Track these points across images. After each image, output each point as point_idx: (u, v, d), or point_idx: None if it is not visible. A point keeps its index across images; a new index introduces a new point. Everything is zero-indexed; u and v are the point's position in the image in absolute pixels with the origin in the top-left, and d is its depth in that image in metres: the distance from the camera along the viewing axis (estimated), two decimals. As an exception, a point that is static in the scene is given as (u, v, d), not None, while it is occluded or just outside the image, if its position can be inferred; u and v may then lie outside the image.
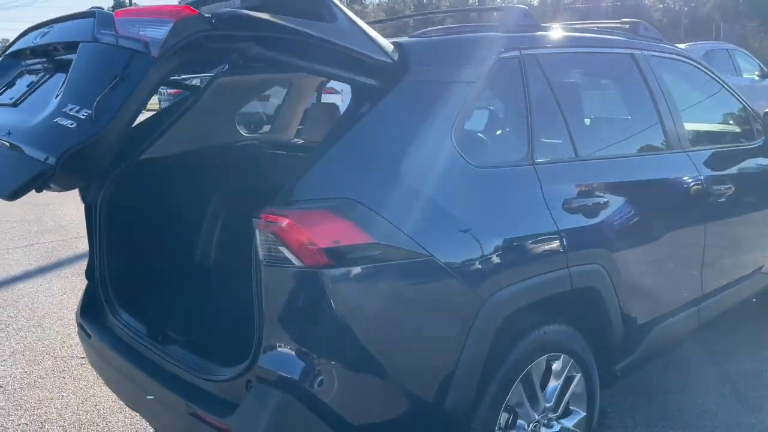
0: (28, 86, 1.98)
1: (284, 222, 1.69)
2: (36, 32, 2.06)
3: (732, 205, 3.09)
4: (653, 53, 2.95)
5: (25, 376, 3.47)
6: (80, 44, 1.73)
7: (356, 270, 1.75)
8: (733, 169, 3.18)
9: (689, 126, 3.06)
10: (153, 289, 2.60)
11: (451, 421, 1.94)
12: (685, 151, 2.89)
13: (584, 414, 2.43)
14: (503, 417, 2.12)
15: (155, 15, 1.61)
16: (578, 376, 2.37)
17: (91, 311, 2.55)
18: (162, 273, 2.70)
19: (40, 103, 1.77)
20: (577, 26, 3.16)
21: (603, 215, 2.37)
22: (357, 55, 1.84)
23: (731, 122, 3.57)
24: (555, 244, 2.17)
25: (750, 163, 3.31)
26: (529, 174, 2.20)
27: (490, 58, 2.23)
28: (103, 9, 1.81)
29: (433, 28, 2.63)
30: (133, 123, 1.78)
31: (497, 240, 2.03)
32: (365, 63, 1.88)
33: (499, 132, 2.68)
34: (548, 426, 2.31)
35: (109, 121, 1.53)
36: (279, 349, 1.78)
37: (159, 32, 1.56)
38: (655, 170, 2.73)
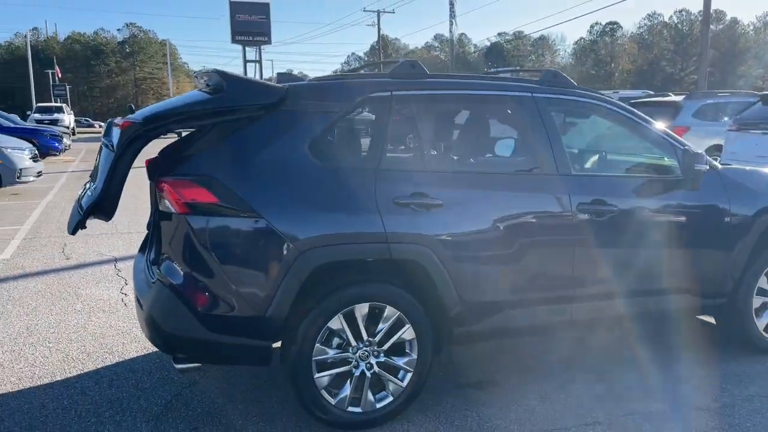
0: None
1: (166, 186, 2.97)
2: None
3: (617, 228, 3.64)
4: (545, 95, 3.69)
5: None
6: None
7: (207, 218, 2.96)
8: (623, 195, 3.71)
9: (574, 152, 3.72)
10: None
11: (271, 324, 3.02)
12: (558, 174, 3.56)
13: (415, 357, 3.30)
14: (326, 336, 3.13)
15: (118, 126, 3.05)
16: (408, 326, 3.26)
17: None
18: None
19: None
20: (469, 75, 4.01)
21: (435, 213, 3.25)
22: (237, 107, 3.07)
23: (628, 154, 4.06)
24: (376, 226, 3.12)
25: (648, 192, 3.79)
26: (369, 174, 3.20)
27: (359, 96, 3.30)
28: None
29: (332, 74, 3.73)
30: (122, 183, 3.12)
31: (321, 214, 3.08)
32: (245, 109, 3.09)
33: (362, 144, 3.65)
34: (376, 356, 3.24)
35: (105, 186, 3.01)
36: (167, 262, 3.06)
37: (116, 137, 2.99)
38: (505, 185, 3.50)
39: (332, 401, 3.18)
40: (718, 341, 4.38)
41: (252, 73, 51.03)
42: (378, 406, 3.26)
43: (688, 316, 4.19)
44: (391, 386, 3.29)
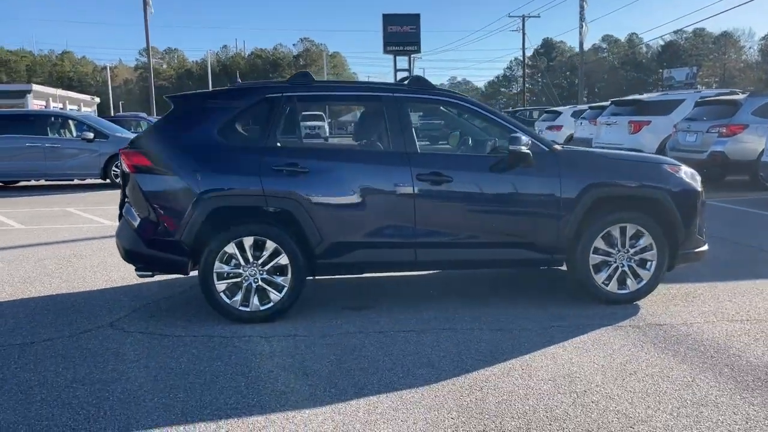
0: None
1: (122, 155, 4.79)
2: None
3: (452, 193, 4.88)
4: (405, 95, 5.04)
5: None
6: None
7: (145, 175, 4.73)
8: (459, 168, 4.93)
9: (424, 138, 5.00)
10: None
11: (183, 246, 4.69)
12: (404, 152, 4.88)
13: (289, 277, 4.81)
14: (224, 257, 4.75)
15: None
16: (283, 254, 4.78)
17: None
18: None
19: None
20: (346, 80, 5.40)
21: (302, 176, 4.75)
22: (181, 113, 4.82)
23: (471, 139, 5.21)
24: (253, 183, 4.70)
25: (478, 166, 4.98)
26: (257, 150, 4.79)
27: (257, 95, 4.90)
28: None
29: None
30: None
31: (218, 175, 4.71)
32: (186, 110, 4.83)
33: (261, 129, 5.13)
34: (261, 273, 4.80)
35: None
36: (126, 205, 4.87)
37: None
38: (359, 157, 4.89)
39: (228, 301, 4.78)
40: (563, 290, 5.36)
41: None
42: (261, 308, 4.81)
43: (535, 268, 5.25)
44: (271, 296, 4.82)
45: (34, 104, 61.02)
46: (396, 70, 54.85)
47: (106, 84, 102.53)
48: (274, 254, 4.79)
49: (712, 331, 4.53)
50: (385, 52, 52.62)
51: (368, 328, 4.67)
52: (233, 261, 4.78)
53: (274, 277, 4.82)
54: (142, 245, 4.79)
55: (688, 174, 5.28)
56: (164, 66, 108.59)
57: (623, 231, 5.09)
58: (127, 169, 4.83)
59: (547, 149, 5.08)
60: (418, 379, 3.76)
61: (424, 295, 5.54)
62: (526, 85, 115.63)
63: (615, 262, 5.11)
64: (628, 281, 5.14)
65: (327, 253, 4.85)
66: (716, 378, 3.73)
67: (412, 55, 53.38)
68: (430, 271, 6.03)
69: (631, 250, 5.11)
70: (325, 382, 3.74)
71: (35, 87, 65.49)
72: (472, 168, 5.01)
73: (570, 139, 18.79)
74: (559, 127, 19.58)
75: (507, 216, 4.99)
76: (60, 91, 69.16)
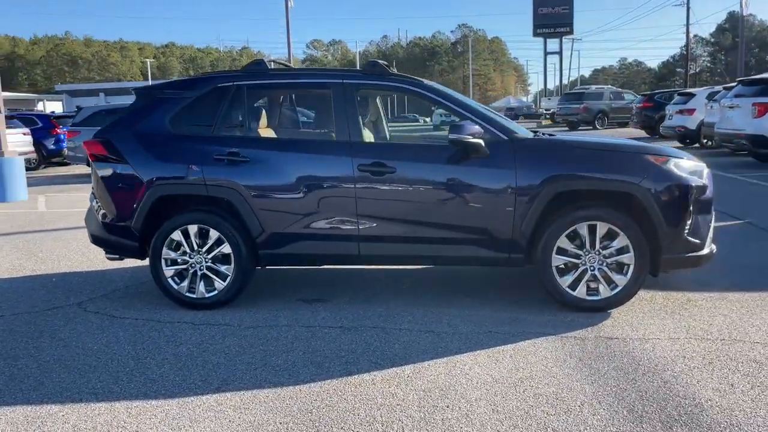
0: None
1: (85, 145, 5.07)
2: None
3: (396, 184, 4.61)
4: (355, 81, 4.84)
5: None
6: None
7: (102, 163, 4.98)
8: (404, 159, 4.63)
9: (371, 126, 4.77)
10: None
11: (134, 232, 4.89)
12: (347, 141, 4.69)
13: (232, 266, 4.84)
14: (172, 244, 4.89)
15: None
16: (225, 243, 4.82)
17: None
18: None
19: None
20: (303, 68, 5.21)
21: (242, 165, 4.75)
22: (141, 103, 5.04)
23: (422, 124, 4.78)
24: (197, 172, 4.77)
25: (427, 157, 4.63)
26: (202, 139, 4.86)
27: (208, 85, 4.97)
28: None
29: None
30: None
31: (165, 164, 4.84)
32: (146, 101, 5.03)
33: (209, 118, 5.10)
34: (206, 261, 4.88)
35: None
36: (91, 192, 5.17)
37: None
38: (302, 147, 4.76)
39: (176, 287, 4.91)
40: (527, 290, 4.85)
41: (554, 64, 51.57)
42: (207, 295, 4.89)
43: (490, 266, 4.82)
44: (216, 284, 4.88)
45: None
46: (546, 54, 52.82)
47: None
48: (218, 243, 4.84)
49: (665, 349, 3.88)
50: (535, 35, 50.74)
51: (300, 322, 4.57)
52: (181, 248, 4.90)
53: (218, 265, 4.87)
54: (104, 230, 5.07)
55: (680, 166, 4.55)
56: (328, 57, 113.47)
57: (592, 230, 4.50)
58: (89, 157, 5.12)
59: (505, 138, 4.62)
60: (290, 379, 3.63)
61: (394, 289, 5.31)
62: (706, 64, 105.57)
63: (583, 264, 4.55)
64: (600, 287, 4.55)
65: (268, 244, 4.81)
66: (612, 405, 3.20)
67: (564, 37, 51.06)
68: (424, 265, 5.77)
69: (604, 252, 4.51)
70: (197, 373, 3.73)
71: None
72: (418, 158, 4.69)
73: (701, 125, 16.90)
74: (691, 111, 17.64)
75: (455, 210, 4.62)
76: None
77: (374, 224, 4.69)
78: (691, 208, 4.49)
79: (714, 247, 4.75)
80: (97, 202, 5.11)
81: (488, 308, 4.75)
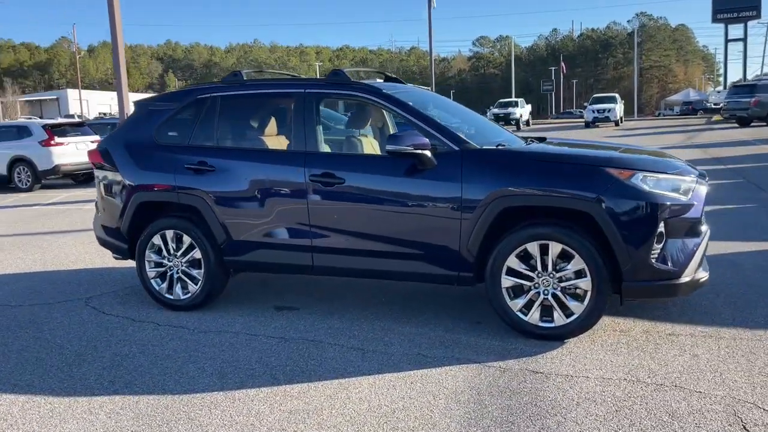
0: None
1: (89, 154, 5.54)
2: None
3: (346, 196, 4.50)
4: (317, 90, 4.80)
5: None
6: None
7: (100, 171, 5.42)
8: (354, 170, 4.50)
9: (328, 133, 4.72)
10: None
11: (122, 234, 5.26)
12: (303, 151, 4.67)
13: (203, 271, 5.04)
14: (153, 247, 5.19)
15: None
16: (196, 249, 5.03)
17: None
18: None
19: None
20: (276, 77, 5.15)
21: (208, 174, 4.92)
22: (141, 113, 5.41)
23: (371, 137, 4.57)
24: (169, 180, 5.02)
25: (376, 168, 4.46)
26: (177, 149, 5.10)
27: (190, 97, 5.21)
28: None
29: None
30: None
31: (146, 172, 5.15)
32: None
33: (187, 129, 5.22)
34: (182, 265, 5.12)
35: None
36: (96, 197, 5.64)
37: None
38: (261, 156, 4.80)
39: (157, 288, 5.21)
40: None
41: (740, 50, 46.11)
42: (182, 297, 5.13)
43: (441, 283, 4.52)
44: (190, 287, 5.11)
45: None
46: (726, 41, 47.58)
47: (443, 75, 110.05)
48: (191, 248, 5.05)
49: (583, 390, 3.43)
50: (714, 20, 45.99)
51: (251, 330, 4.64)
52: (162, 252, 5.18)
53: (191, 269, 5.08)
54: (103, 233, 5.51)
55: (652, 182, 3.97)
56: (495, 54, 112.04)
57: (545, 250, 4.08)
58: (91, 164, 5.58)
59: (456, 149, 4.32)
60: (175, 387, 3.71)
61: (368, 301, 5.19)
62: None
63: (536, 287, 4.14)
64: (555, 314, 4.11)
65: (231, 251, 4.94)
66: (457, 450, 2.90)
67: (749, 22, 45.65)
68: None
69: (558, 275, 4.07)
70: (111, 374, 3.94)
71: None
72: (367, 169, 4.53)
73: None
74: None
75: (403, 224, 4.41)
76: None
77: (327, 236, 4.63)
78: (662, 230, 3.90)
79: (704, 274, 4.10)
80: (98, 206, 5.56)
81: (440, 328, 4.48)
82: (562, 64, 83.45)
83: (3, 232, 9.55)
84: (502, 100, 38.93)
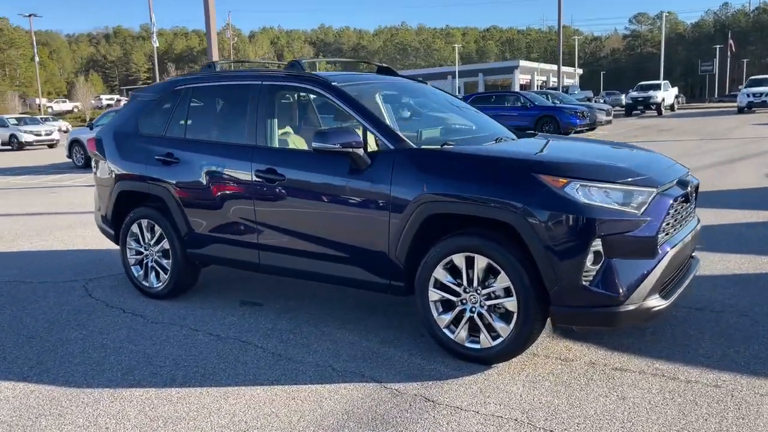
0: None
1: (86, 143, 5.76)
2: None
3: (286, 194, 4.30)
4: (271, 82, 4.62)
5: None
6: None
7: (94, 159, 5.61)
8: (292, 166, 4.27)
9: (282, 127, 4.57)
10: None
11: (109, 222, 5.44)
12: (253, 146, 4.52)
13: (171, 262, 5.08)
14: (133, 236, 5.32)
15: None
16: (165, 240, 5.09)
17: None
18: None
19: None
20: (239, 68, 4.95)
21: (173, 166, 4.92)
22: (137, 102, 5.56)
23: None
24: (143, 170, 5.09)
25: (313, 165, 4.18)
26: (152, 140, 5.15)
27: (168, 88, 5.24)
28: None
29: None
30: None
31: (126, 162, 5.26)
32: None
33: (163, 119, 5.18)
34: (151, 254, 5.20)
35: None
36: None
37: None
38: (217, 149, 4.69)
39: (136, 274, 5.33)
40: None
41: None
42: (155, 285, 5.21)
43: (374, 291, 4.18)
44: (161, 276, 5.18)
45: (520, 78, 67.53)
46: None
47: (594, 55, 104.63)
48: (159, 239, 5.12)
49: (457, 426, 3.01)
50: None
51: (197, 326, 4.60)
52: (140, 240, 5.29)
53: (162, 259, 5.15)
54: (99, 219, 5.73)
55: (594, 191, 3.38)
56: (654, 31, 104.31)
57: (470, 263, 3.64)
58: (89, 153, 5.81)
59: (391, 147, 3.96)
60: (79, 378, 3.75)
61: (340, 303, 4.96)
62: None
63: (462, 303, 3.71)
64: (481, 335, 3.67)
65: (192, 243, 4.92)
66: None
67: None
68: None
69: (485, 291, 3.62)
70: (45, 360, 4.07)
71: (522, 62, 72.37)
72: (306, 167, 4.27)
73: None
74: None
75: (335, 225, 4.13)
76: (542, 65, 74.98)
77: (271, 233, 4.46)
78: (600, 248, 3.32)
79: (658, 303, 3.45)
80: (96, 194, 5.78)
81: (377, 339, 4.16)
82: (731, 41, 75.91)
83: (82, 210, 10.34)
84: (643, 83, 35.95)
